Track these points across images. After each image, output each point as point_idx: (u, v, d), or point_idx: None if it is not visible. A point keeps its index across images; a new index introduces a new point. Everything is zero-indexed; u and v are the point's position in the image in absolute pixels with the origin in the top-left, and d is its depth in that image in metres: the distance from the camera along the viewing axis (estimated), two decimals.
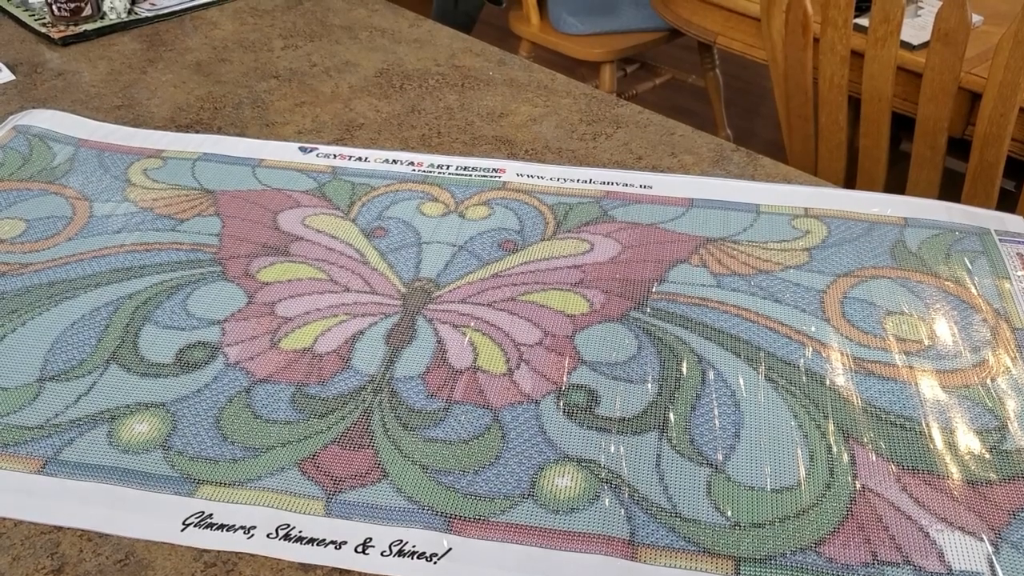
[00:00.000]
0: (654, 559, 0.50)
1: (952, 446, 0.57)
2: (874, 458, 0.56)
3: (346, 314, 0.66)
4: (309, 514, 0.52)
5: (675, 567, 0.50)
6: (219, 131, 0.90)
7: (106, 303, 0.67)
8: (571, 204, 0.78)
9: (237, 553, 0.51)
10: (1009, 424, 0.58)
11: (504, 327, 0.65)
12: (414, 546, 0.51)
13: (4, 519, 0.53)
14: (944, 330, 0.65)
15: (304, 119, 0.92)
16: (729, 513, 0.53)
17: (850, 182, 1.36)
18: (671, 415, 0.59)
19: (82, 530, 0.52)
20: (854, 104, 1.27)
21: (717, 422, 0.58)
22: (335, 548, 0.51)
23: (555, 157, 0.86)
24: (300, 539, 0.51)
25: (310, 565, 0.50)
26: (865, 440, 0.57)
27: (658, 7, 1.73)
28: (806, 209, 0.78)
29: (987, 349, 0.64)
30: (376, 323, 0.66)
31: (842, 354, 0.63)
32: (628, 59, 2.26)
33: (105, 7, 1.10)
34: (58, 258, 0.72)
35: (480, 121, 0.92)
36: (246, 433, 0.57)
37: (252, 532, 0.52)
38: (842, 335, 0.65)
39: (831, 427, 0.58)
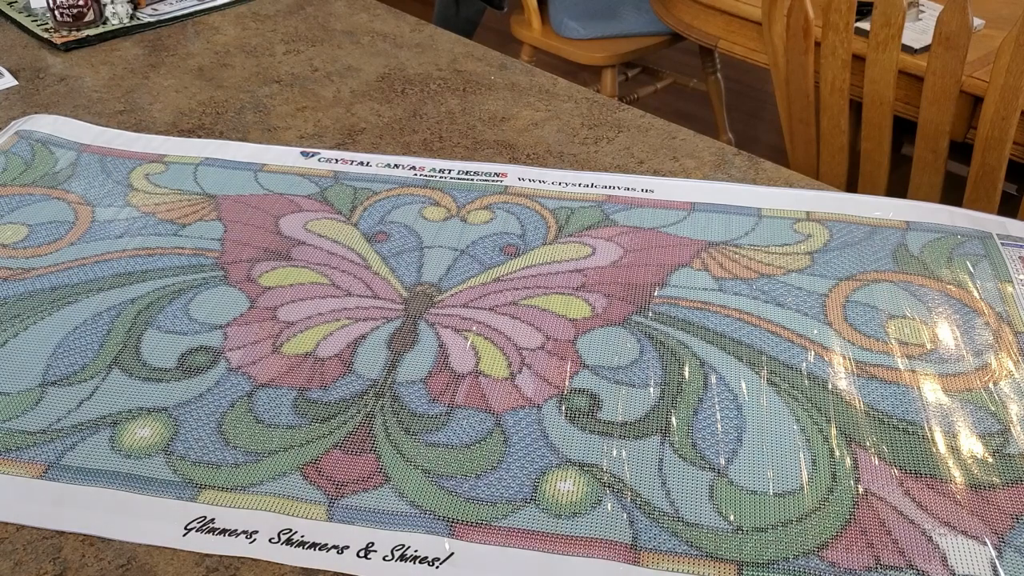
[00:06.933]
0: (656, 564, 0.50)
1: (955, 450, 0.57)
2: (877, 462, 0.56)
3: (348, 319, 0.66)
4: (311, 519, 0.52)
5: (678, 572, 0.50)
6: (221, 136, 0.90)
7: (108, 308, 0.67)
8: (573, 208, 0.78)
9: (239, 558, 0.51)
10: (1012, 428, 0.58)
11: (506, 331, 0.65)
12: (416, 551, 0.51)
13: (6, 524, 0.53)
14: (946, 334, 0.65)
15: (306, 124, 0.92)
16: (732, 517, 0.53)
17: (852, 186, 1.36)
18: (673, 419, 0.59)
19: (84, 535, 0.52)
20: (855, 108, 1.27)
21: (719, 426, 0.58)
22: (337, 553, 0.51)
23: (557, 161, 0.86)
24: (302, 544, 0.51)
25: (312, 570, 0.50)
26: (868, 444, 0.57)
27: (659, 11, 1.73)
28: (808, 213, 0.78)
29: (990, 353, 0.64)
30: (378, 328, 0.66)
31: (844, 358, 0.63)
32: (630, 63, 2.26)
33: (107, 12, 1.10)
34: (60, 263, 0.72)
35: (482, 125, 0.92)
36: (248, 438, 0.57)
37: (254, 537, 0.52)
38: (844, 339, 0.65)
39: (834, 431, 0.58)
